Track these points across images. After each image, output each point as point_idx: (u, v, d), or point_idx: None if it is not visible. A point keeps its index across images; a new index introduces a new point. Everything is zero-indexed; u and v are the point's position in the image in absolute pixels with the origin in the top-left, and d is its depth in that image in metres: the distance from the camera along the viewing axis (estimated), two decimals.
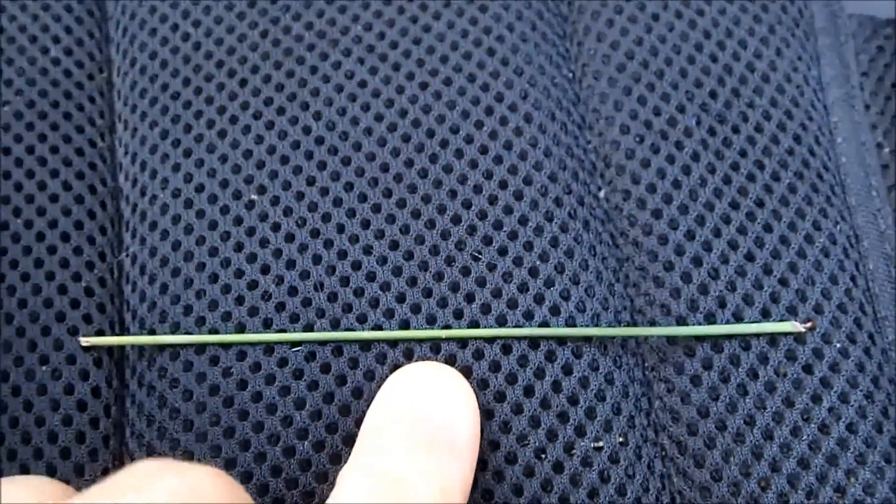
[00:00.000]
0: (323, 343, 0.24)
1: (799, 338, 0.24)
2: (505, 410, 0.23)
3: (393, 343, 0.24)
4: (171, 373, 0.24)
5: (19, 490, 0.20)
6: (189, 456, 0.23)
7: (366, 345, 0.24)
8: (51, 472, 0.24)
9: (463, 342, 0.24)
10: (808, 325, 0.24)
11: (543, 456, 0.23)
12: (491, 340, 0.23)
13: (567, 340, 0.24)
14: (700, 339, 0.24)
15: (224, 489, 0.19)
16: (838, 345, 0.24)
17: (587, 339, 0.24)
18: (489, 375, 0.23)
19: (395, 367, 0.23)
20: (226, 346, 0.24)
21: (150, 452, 0.24)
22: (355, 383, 0.24)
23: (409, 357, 0.24)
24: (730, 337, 0.24)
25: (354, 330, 0.24)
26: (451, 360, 0.23)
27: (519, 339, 0.23)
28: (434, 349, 0.24)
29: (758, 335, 0.24)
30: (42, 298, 0.25)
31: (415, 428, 0.21)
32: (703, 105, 0.26)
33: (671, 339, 0.24)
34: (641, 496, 0.23)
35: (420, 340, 0.24)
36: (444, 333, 0.23)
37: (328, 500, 0.20)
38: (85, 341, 0.25)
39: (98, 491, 0.18)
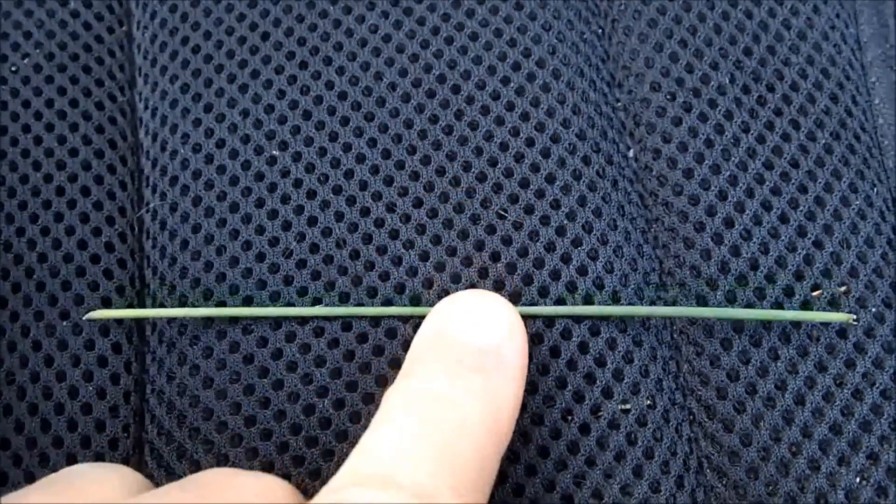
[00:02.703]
0: (342, 301, 0.24)
1: (832, 301, 0.23)
2: (531, 371, 0.23)
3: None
4: (191, 329, 0.24)
5: (108, 475, 0.21)
6: (209, 413, 0.23)
7: (387, 303, 0.23)
8: (72, 427, 0.23)
9: None
10: (843, 288, 0.23)
11: (570, 418, 0.22)
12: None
13: (594, 301, 0.23)
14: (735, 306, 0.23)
15: (290, 492, 0.20)
16: (873, 309, 0.23)
17: (615, 301, 0.23)
18: None
19: (417, 327, 0.23)
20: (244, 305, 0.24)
21: (171, 409, 0.23)
22: (375, 341, 0.23)
23: None
24: (772, 319, 0.23)
25: (376, 288, 0.24)
26: None
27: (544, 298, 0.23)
28: None
29: (799, 322, 0.23)
30: (62, 253, 0.25)
31: (460, 350, 0.20)
32: (738, 62, 0.25)
33: (702, 302, 0.24)
34: (669, 460, 0.22)
35: None
36: None
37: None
38: (100, 315, 0.24)
39: (179, 486, 0.19)
